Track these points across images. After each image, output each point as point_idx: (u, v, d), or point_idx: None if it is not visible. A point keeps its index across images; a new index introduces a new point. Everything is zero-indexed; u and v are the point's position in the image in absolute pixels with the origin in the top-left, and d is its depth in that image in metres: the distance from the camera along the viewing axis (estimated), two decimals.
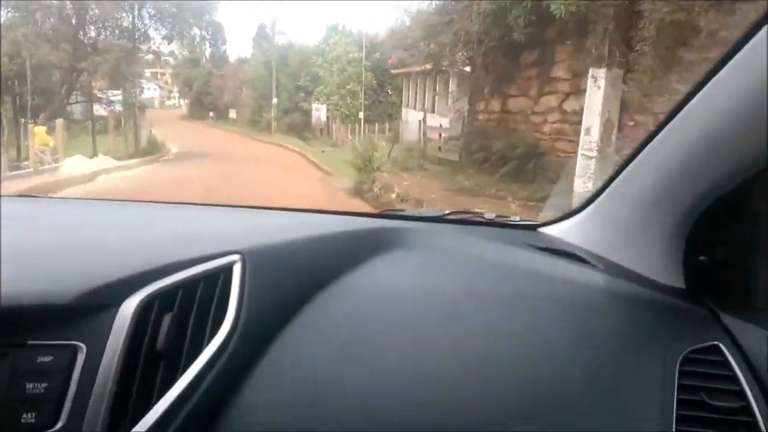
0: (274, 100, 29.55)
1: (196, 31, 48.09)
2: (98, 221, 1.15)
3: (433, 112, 21.13)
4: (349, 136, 22.65)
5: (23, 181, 10.73)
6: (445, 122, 16.99)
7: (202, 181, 10.99)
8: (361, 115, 25.12)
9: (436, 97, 19.69)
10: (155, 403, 0.68)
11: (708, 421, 0.75)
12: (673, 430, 0.74)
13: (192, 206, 1.41)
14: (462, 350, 0.82)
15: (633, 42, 7.62)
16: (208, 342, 0.75)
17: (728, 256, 0.91)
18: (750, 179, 0.78)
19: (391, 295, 0.92)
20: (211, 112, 41.93)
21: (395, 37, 32.14)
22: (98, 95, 20.81)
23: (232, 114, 37.84)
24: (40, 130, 13.51)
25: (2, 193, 1.65)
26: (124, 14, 19.27)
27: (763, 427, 0.74)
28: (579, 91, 9.24)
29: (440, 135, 16.19)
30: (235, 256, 0.84)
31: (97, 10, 18.16)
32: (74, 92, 18.62)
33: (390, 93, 29.90)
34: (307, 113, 28.62)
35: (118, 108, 35.96)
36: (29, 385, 0.65)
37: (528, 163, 10.10)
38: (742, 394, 0.77)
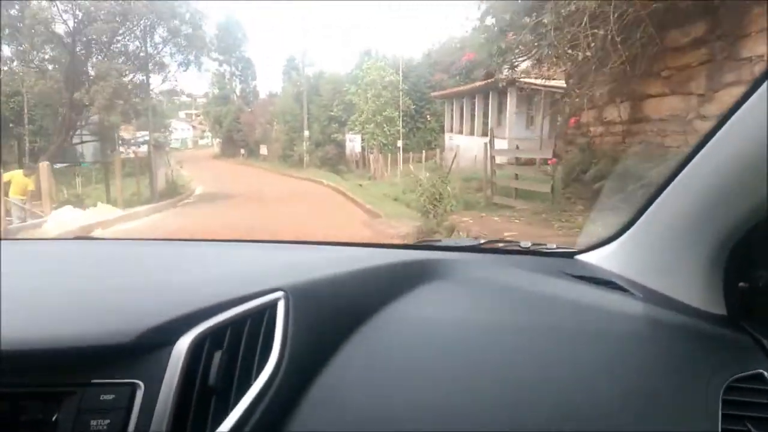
0: (306, 133, 27.74)
1: (226, 68, 48.22)
2: (148, 261, 1.21)
3: (481, 134, 18.79)
4: (387, 169, 20.41)
5: None
6: (503, 144, 14.54)
7: (217, 232, 8.70)
8: (399, 143, 22.92)
9: (501, 116, 17.03)
10: None
11: None
12: None
13: (236, 243, 1.53)
14: (501, 380, 0.82)
15: None
16: (256, 377, 0.77)
17: None
18: None
19: (430, 327, 0.93)
20: (243, 149, 40.89)
21: (432, 59, 30.30)
22: (118, 135, 19.07)
23: (263, 150, 36.29)
24: (17, 175, 10.76)
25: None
26: (131, 40, 17.15)
27: None
28: None
29: (515, 160, 13.39)
30: (279, 293, 0.88)
31: (101, 36, 15.84)
32: (77, 131, 16.48)
33: (429, 119, 27.81)
34: (341, 145, 26.69)
35: (142, 149, 35.51)
36: (93, 422, 0.69)
37: None
38: None
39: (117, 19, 14.84)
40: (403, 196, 14.29)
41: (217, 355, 0.76)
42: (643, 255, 1.03)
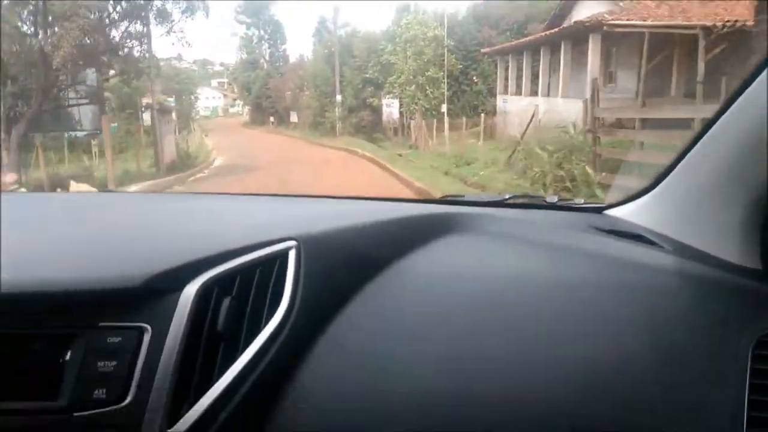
0: (338, 98, 25.23)
1: (254, 31, 45.75)
2: (160, 212, 1.22)
3: (546, 94, 15.92)
4: (433, 136, 17.80)
5: None
6: (576, 106, 11.75)
7: None
8: (443, 107, 20.22)
9: (576, 71, 14.09)
10: (216, 380, 0.71)
11: None
12: (746, 414, 0.72)
13: (251, 196, 1.46)
14: (523, 334, 0.80)
15: None
16: (265, 324, 0.77)
17: None
18: None
19: (448, 280, 0.92)
20: (272, 117, 38.76)
21: (478, 13, 27.20)
22: (129, 99, 16.81)
23: (294, 117, 34.00)
24: None
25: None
26: None
27: None
28: None
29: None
30: (291, 242, 0.86)
31: None
32: (62, 91, 12.97)
33: (476, 80, 24.91)
34: (377, 110, 24.13)
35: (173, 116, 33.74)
36: (100, 364, 0.69)
37: None
38: None
39: None
40: (456, 170, 11.77)
41: (226, 301, 0.77)
42: (676, 209, 1.00)
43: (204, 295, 0.75)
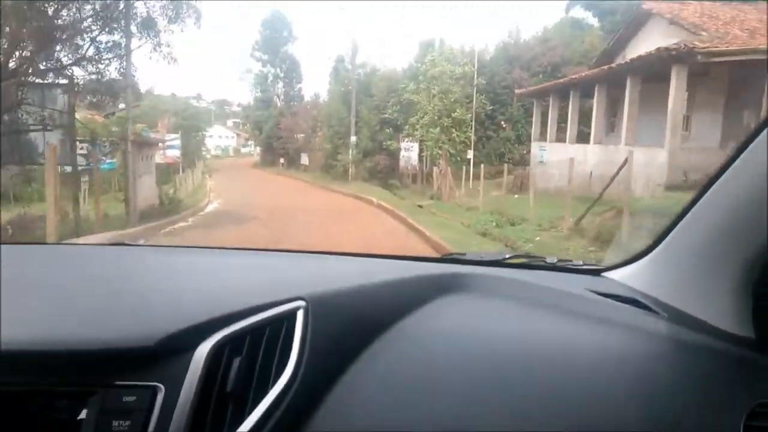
0: (353, 139, 23.11)
1: (269, 68, 44.36)
2: (172, 268, 1.23)
3: (599, 141, 13.52)
4: (461, 186, 15.44)
5: None
6: (661, 157, 9.27)
7: None
8: (470, 154, 17.90)
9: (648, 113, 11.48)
10: None
11: None
12: None
13: (262, 252, 1.53)
14: (521, 396, 0.80)
15: None
16: (273, 384, 0.77)
17: None
18: None
19: (451, 340, 0.92)
20: (282, 158, 36.80)
21: (509, 54, 25.20)
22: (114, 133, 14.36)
23: (305, 159, 32.00)
24: None
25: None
26: None
27: None
28: None
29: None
30: (299, 303, 0.88)
31: None
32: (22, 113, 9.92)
33: (504, 125, 22.71)
34: (393, 155, 21.92)
35: (169, 152, 31.55)
36: (115, 423, 0.70)
37: None
38: None
39: None
40: (497, 231, 9.24)
41: (236, 362, 0.78)
42: (670, 274, 1.01)
43: (216, 355, 0.77)
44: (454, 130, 17.28)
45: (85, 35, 10.56)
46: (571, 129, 14.87)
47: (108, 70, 10.83)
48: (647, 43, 12.90)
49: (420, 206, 15.04)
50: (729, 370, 0.84)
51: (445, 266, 1.24)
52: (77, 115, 10.86)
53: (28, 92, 10.04)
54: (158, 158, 29.60)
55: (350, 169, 22.96)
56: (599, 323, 0.96)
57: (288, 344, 0.82)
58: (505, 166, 17.13)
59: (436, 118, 17.41)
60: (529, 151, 21.08)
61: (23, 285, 0.93)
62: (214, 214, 13.59)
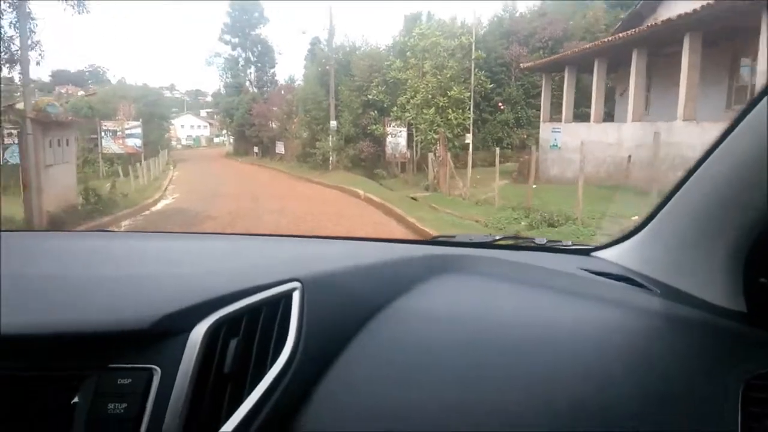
0: (333, 124, 20.62)
1: (240, 52, 41.28)
2: (166, 252, 1.20)
3: (638, 119, 11.27)
4: (468, 178, 13.16)
5: None
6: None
7: None
8: (468, 138, 15.59)
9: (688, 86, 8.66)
10: (224, 422, 0.72)
11: None
12: None
13: (255, 236, 1.46)
14: (514, 375, 0.80)
15: None
16: (271, 365, 0.78)
17: None
18: None
19: (443, 320, 0.92)
20: (256, 147, 34.04)
21: (504, 29, 22.81)
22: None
23: (280, 148, 29.33)
24: None
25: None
26: None
27: None
28: None
29: None
30: (295, 284, 0.88)
31: None
32: None
33: (501, 106, 20.41)
34: (379, 141, 19.51)
35: (136, 143, 28.68)
36: (111, 406, 0.70)
37: None
38: None
39: None
40: (535, 233, 6.93)
41: (233, 343, 0.77)
42: (661, 251, 1.01)
43: (212, 336, 0.77)
44: (450, 111, 14.86)
45: None
46: (596, 105, 12.55)
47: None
48: (681, 6, 10.58)
49: (414, 198, 12.73)
50: (723, 345, 0.84)
51: (437, 248, 1.25)
52: None
53: None
54: (117, 147, 27.12)
55: (331, 157, 20.48)
56: (592, 301, 0.96)
57: (284, 325, 0.82)
58: (503, 150, 14.83)
59: (429, 97, 14.96)
60: (529, 136, 18.91)
61: (14, 271, 0.91)
62: (161, 214, 11.05)
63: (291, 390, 0.75)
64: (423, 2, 33.62)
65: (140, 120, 27.83)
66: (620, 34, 11.48)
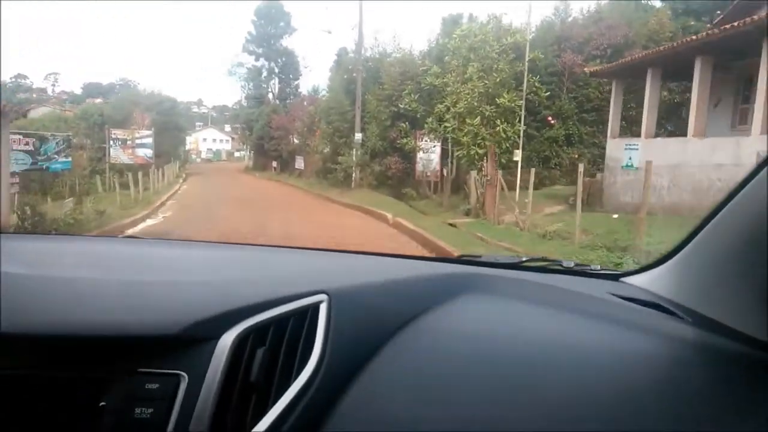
0: (358, 136, 18.35)
1: (263, 62, 39.52)
2: (197, 261, 1.22)
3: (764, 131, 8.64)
4: (511, 198, 10.69)
5: None
6: None
7: None
8: (518, 154, 13.13)
9: None
10: (249, 431, 0.72)
11: None
12: None
13: (283, 248, 1.47)
14: (539, 398, 0.79)
15: None
16: (297, 375, 0.78)
17: None
18: None
19: (469, 338, 0.92)
20: (275, 162, 32.05)
21: (555, 34, 20.38)
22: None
23: (299, 162, 27.21)
24: None
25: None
26: None
27: None
28: None
29: None
30: (323, 296, 0.88)
31: None
32: None
33: (552, 121, 17.87)
34: (408, 156, 17.19)
35: (147, 154, 26.87)
36: (138, 410, 0.71)
37: None
38: None
39: None
40: None
41: (260, 352, 0.77)
42: (693, 279, 0.99)
43: (239, 344, 0.77)
44: (499, 122, 12.42)
45: None
46: (698, 116, 9.84)
47: None
48: None
49: (452, 225, 10.30)
50: (753, 375, 0.82)
51: (462, 267, 1.24)
52: None
53: None
54: (126, 158, 25.32)
55: (354, 174, 18.16)
56: (622, 326, 0.94)
57: (311, 337, 0.82)
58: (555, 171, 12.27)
59: (474, 105, 12.52)
60: (580, 155, 16.38)
61: (49, 273, 0.91)
62: (147, 233, 8.77)
63: (316, 401, 0.76)
64: (464, 2, 30.95)
65: (152, 129, 26.12)
66: (733, 24, 8.89)
